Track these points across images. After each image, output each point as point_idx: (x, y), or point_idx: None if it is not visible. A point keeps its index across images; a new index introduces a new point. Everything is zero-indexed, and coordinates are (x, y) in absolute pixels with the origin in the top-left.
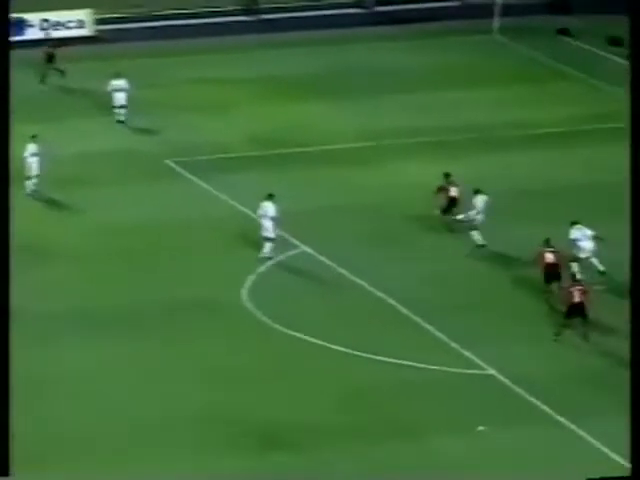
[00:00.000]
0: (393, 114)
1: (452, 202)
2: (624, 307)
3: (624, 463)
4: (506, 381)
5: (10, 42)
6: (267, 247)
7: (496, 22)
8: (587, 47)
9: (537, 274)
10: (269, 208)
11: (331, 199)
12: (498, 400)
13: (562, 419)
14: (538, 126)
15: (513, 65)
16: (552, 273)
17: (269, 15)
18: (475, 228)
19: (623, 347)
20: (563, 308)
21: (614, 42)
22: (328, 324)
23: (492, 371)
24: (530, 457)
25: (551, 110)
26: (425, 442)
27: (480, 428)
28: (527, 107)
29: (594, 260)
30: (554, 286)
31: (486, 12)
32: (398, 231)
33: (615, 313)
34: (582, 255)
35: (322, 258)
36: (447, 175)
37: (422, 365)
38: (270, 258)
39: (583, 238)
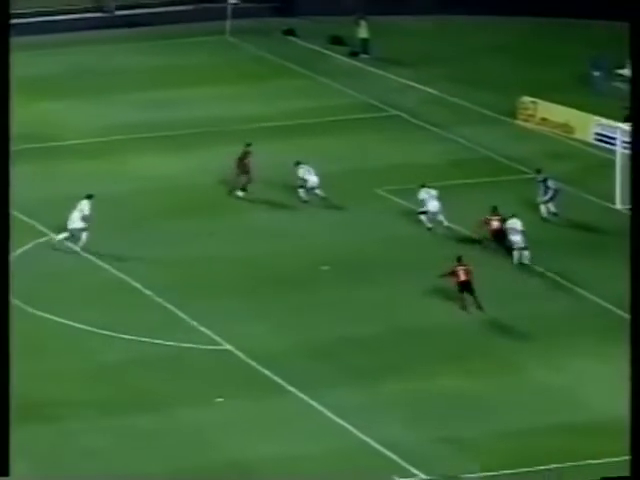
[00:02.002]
0: (134, 111)
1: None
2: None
3: (353, 430)
4: (242, 355)
5: (10, 38)
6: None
7: (228, 24)
8: (311, 46)
9: (258, 253)
10: (84, 205)
11: (76, 190)
12: (235, 373)
13: (294, 390)
14: (267, 120)
15: (244, 64)
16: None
17: (15, 20)
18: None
19: (350, 320)
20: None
21: (335, 41)
22: (75, 305)
23: (229, 346)
24: (265, 425)
25: (279, 105)
26: (168, 413)
27: (218, 399)
28: (257, 102)
29: (441, 216)
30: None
31: (218, 15)
32: (140, 219)
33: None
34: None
35: (69, 244)
36: (247, 144)
37: (165, 342)
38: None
39: (429, 198)
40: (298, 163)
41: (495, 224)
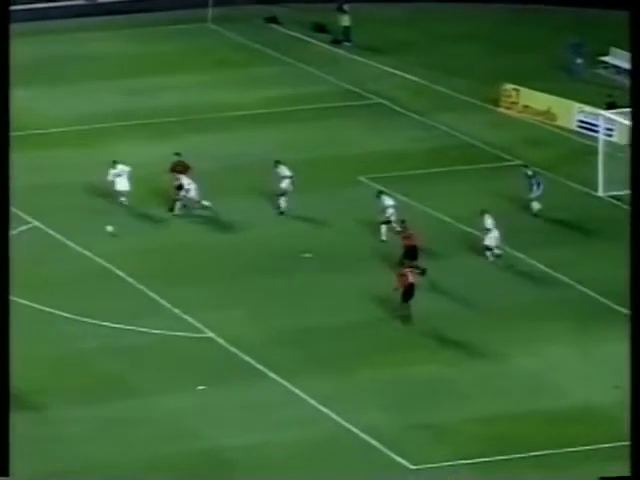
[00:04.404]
0: (111, 99)
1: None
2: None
3: (335, 417)
4: (223, 343)
5: (9, 31)
6: None
7: (210, 12)
8: (293, 34)
9: (238, 241)
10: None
11: (55, 178)
12: (217, 361)
13: (275, 377)
14: (248, 107)
15: (224, 52)
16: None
17: None
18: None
19: (330, 308)
20: (399, 290)
21: (318, 28)
22: (58, 293)
23: (211, 334)
24: (247, 413)
25: (261, 92)
26: (150, 401)
27: (200, 387)
28: (238, 90)
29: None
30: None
31: (201, 2)
32: (120, 206)
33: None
34: (393, 218)
35: (51, 231)
36: (176, 154)
37: (146, 329)
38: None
39: (390, 203)
40: (278, 162)
41: (412, 239)
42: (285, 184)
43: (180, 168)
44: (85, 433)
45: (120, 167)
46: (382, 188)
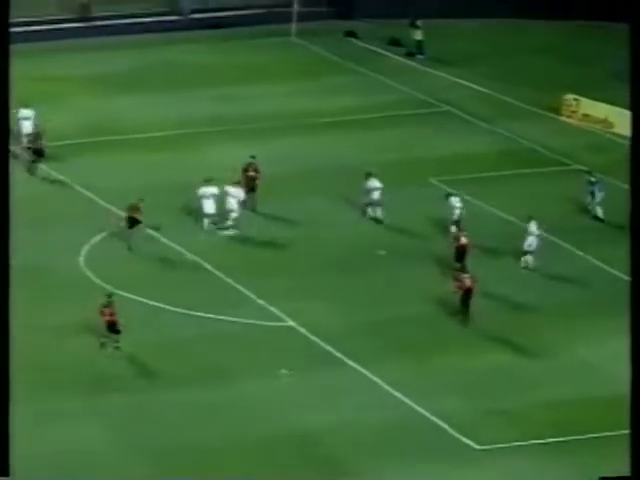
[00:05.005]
0: (204, 106)
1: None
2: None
3: (408, 402)
4: (304, 332)
5: (9, 38)
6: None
7: (294, 27)
8: (371, 47)
9: (317, 238)
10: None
11: (154, 179)
12: (299, 349)
13: (353, 364)
14: (328, 114)
15: (306, 63)
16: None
17: (101, 22)
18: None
19: (403, 302)
20: (458, 294)
21: (393, 43)
22: (153, 285)
23: (292, 323)
24: (327, 396)
25: (339, 100)
26: (235, 386)
27: (283, 371)
28: (319, 98)
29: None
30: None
31: (286, 18)
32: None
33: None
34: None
35: (148, 230)
36: (251, 156)
37: (232, 319)
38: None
39: (457, 205)
40: (369, 174)
41: (463, 240)
42: (376, 196)
43: (252, 169)
44: (181, 416)
45: (211, 189)
46: (450, 190)
